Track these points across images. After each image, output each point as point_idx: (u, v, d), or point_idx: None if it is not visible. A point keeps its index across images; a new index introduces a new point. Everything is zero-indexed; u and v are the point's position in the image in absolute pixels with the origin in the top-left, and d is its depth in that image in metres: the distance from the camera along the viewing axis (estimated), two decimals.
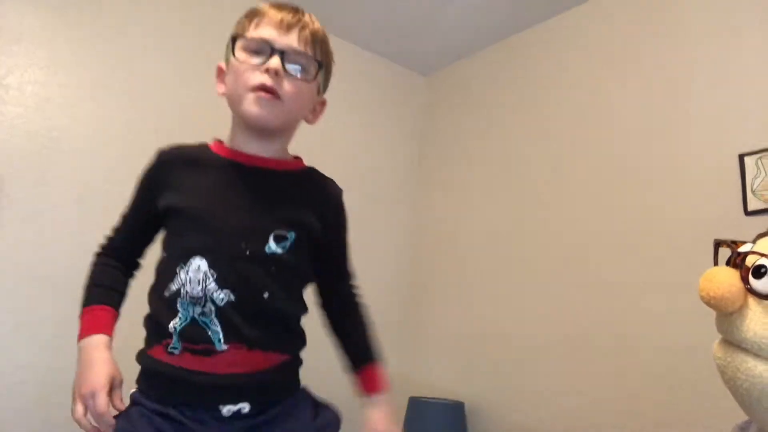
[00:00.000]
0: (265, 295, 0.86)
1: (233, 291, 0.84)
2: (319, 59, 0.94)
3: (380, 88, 2.80)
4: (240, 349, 0.84)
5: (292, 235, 0.89)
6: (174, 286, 0.85)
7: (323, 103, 1.02)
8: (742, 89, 1.70)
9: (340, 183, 1.05)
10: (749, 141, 1.64)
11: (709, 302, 0.82)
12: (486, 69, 2.65)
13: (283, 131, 0.95)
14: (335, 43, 1.02)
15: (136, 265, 1.00)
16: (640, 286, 1.80)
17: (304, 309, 0.96)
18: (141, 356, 0.89)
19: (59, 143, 1.84)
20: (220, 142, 0.98)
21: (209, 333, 0.83)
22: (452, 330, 2.42)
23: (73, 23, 1.92)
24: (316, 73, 0.94)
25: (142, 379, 0.88)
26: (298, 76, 0.91)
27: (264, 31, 0.90)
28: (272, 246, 0.87)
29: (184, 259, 0.85)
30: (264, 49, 0.89)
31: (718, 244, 0.88)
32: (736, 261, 0.83)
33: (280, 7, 0.93)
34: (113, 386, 0.82)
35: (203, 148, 0.97)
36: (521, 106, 2.41)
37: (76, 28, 1.93)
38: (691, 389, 1.58)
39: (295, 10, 0.94)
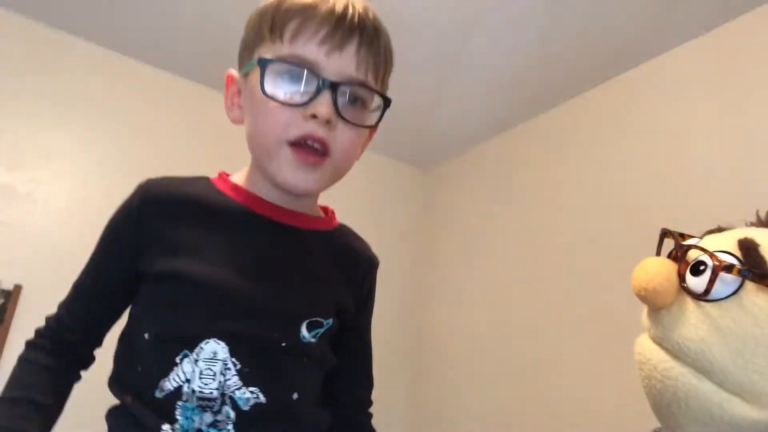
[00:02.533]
0: (294, 395, 0.63)
1: (263, 390, 0.60)
2: (385, 94, 0.66)
3: (379, 184, 2.74)
4: None
5: (329, 324, 0.67)
6: (170, 384, 0.58)
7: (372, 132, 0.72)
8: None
9: None
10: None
11: (640, 294, 0.75)
12: (483, 162, 2.59)
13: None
14: None
15: (90, 359, 0.71)
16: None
17: (326, 418, 0.70)
18: None
19: (80, 255, 1.84)
20: (227, 177, 0.72)
21: None
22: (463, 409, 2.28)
23: (98, 140, 2.02)
24: (382, 114, 0.65)
25: None
26: (353, 117, 0.62)
27: (306, 45, 0.60)
28: (306, 335, 0.65)
29: (190, 344, 0.59)
30: (304, 77, 0.60)
31: (664, 234, 0.81)
32: (677, 254, 0.77)
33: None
34: None
35: (206, 184, 0.70)
36: (519, 199, 2.35)
37: (101, 144, 2.02)
38: None
39: (346, 4, 0.62)
